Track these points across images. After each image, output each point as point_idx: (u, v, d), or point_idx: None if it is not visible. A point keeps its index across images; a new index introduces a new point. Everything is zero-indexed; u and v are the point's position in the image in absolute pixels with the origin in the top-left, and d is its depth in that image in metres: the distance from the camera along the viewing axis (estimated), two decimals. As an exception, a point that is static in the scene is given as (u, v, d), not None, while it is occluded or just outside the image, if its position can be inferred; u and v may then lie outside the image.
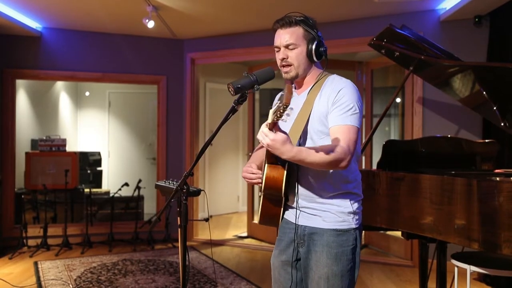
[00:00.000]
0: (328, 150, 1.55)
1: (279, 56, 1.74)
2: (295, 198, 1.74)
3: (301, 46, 1.70)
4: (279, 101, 1.47)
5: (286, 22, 1.71)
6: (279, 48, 1.73)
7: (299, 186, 1.73)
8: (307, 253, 1.73)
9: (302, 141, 1.73)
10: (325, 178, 1.69)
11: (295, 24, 1.70)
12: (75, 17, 4.77)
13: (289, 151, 1.50)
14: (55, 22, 4.98)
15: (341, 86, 1.66)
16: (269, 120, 1.49)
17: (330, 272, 1.66)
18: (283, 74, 1.75)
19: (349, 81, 1.70)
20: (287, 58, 1.71)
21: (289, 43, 1.70)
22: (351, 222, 1.70)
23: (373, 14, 4.44)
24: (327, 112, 1.67)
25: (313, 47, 1.70)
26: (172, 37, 5.40)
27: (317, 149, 1.55)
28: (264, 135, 1.50)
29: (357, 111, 1.64)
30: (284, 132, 1.52)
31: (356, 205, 1.73)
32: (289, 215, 1.81)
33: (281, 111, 1.44)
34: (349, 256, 1.69)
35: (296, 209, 1.75)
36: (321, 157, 1.53)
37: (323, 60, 1.76)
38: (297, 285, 1.79)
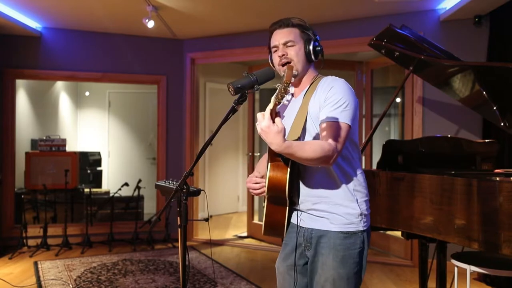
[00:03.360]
0: (318, 146, 1.54)
1: (278, 54, 1.74)
2: (298, 200, 1.71)
3: (299, 44, 1.73)
4: (279, 84, 1.41)
5: (283, 23, 1.76)
6: (277, 47, 1.75)
7: (303, 187, 1.71)
8: (313, 256, 1.71)
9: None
10: (330, 177, 1.67)
11: (292, 25, 1.75)
12: (75, 17, 4.77)
13: (278, 144, 1.47)
14: (55, 22, 4.98)
15: (332, 84, 1.67)
16: (270, 105, 1.45)
17: (336, 275, 1.64)
18: (283, 73, 1.75)
19: (341, 79, 1.70)
20: (287, 55, 1.72)
21: (288, 40, 1.72)
22: (358, 225, 1.69)
23: (373, 14, 4.44)
24: (320, 111, 1.66)
25: (311, 46, 1.73)
26: (172, 37, 5.40)
27: (306, 145, 1.55)
28: (262, 119, 1.46)
29: (348, 108, 1.62)
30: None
31: (364, 205, 1.71)
32: (295, 218, 1.77)
33: (282, 91, 1.38)
34: (356, 259, 1.67)
35: (297, 210, 1.74)
36: (310, 153, 1.52)
37: (319, 61, 1.78)
38: None
